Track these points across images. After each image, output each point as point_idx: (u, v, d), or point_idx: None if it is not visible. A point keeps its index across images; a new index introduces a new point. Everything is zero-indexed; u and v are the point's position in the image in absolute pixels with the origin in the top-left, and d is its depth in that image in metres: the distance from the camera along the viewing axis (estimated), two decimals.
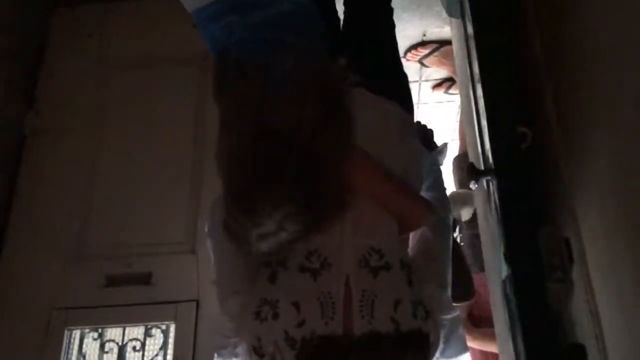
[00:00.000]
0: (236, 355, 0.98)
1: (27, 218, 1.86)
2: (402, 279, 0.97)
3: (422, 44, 2.54)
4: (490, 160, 1.06)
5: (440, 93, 2.90)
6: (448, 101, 2.99)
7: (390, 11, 1.46)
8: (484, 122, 1.12)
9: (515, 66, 1.29)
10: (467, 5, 1.46)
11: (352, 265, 0.95)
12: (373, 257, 0.96)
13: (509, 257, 0.96)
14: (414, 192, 1.10)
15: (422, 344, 0.95)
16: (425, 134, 1.42)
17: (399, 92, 1.29)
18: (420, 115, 3.13)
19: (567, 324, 1.05)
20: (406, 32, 2.49)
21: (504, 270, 1.21)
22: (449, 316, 1.05)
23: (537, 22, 1.36)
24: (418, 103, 3.04)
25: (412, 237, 1.15)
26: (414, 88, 2.91)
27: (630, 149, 0.90)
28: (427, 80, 2.87)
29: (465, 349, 1.09)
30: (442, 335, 1.02)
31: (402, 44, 2.58)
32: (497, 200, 1.05)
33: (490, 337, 1.79)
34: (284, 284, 0.95)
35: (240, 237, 0.94)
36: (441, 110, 3.10)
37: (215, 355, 1.01)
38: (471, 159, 2.09)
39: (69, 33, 2.18)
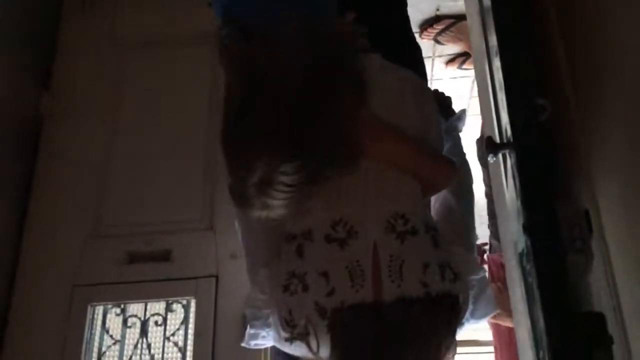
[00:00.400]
0: (268, 326, 1.00)
1: (47, 197, 1.89)
2: (429, 243, 0.97)
3: (437, 19, 2.51)
4: (509, 133, 1.07)
5: (453, 69, 2.88)
6: (462, 77, 2.97)
7: None
8: (502, 95, 1.12)
9: (532, 39, 1.29)
10: None
11: (379, 232, 0.95)
12: (399, 222, 0.96)
13: (529, 229, 0.97)
14: (434, 153, 1.08)
15: (452, 305, 0.96)
16: (443, 101, 1.41)
17: (414, 60, 1.29)
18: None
19: (585, 294, 1.07)
20: (419, 5, 2.46)
21: (522, 243, 1.22)
22: (476, 277, 1.06)
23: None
24: (431, 79, 3.02)
25: (434, 200, 1.15)
26: (427, 64, 2.89)
27: None
28: (440, 56, 2.84)
29: (494, 308, 1.10)
30: (470, 296, 1.03)
31: (415, 17, 2.55)
32: (515, 173, 1.06)
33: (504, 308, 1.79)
34: (311, 257, 0.96)
35: (245, 199, 0.91)
36: (455, 85, 3.08)
37: (249, 326, 1.03)
38: (486, 133, 2.09)
39: (82, 15, 2.18)
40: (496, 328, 2.07)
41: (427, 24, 2.58)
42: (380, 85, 1.03)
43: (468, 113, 2.93)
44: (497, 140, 1.14)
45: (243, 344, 1.09)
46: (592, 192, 1.08)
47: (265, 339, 1.04)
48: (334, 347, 0.91)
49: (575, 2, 1.21)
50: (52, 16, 2.15)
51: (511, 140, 1.05)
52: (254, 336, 1.04)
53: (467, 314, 1.04)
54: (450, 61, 2.85)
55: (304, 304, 0.92)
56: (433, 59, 2.86)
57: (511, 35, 1.17)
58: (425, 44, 2.73)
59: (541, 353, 1.12)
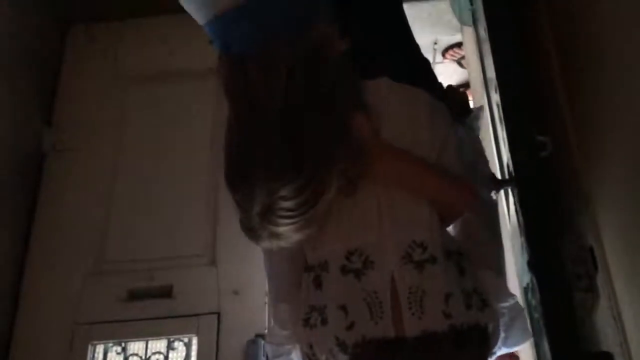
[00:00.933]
0: None
1: (49, 233, 1.88)
2: (451, 270, 0.92)
3: (459, 45, 2.54)
4: (511, 169, 1.07)
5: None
6: None
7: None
8: (502, 132, 1.13)
9: (531, 74, 1.30)
10: (480, 11, 1.47)
11: (396, 262, 0.91)
12: (416, 251, 0.91)
13: (534, 266, 0.96)
14: (452, 176, 1.01)
15: (480, 338, 0.90)
16: (460, 98, 1.33)
17: (422, 74, 1.20)
18: None
19: (591, 332, 1.05)
20: (418, 41, 2.49)
21: (526, 278, 1.22)
22: (507, 304, 0.99)
23: (550, 27, 1.37)
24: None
25: (459, 221, 1.07)
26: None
27: None
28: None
29: (529, 336, 1.04)
30: (502, 324, 0.96)
31: None
32: (518, 209, 1.06)
33: None
34: (329, 289, 0.93)
35: (253, 231, 0.91)
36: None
37: None
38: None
39: (85, 50, 2.20)
40: None
41: (451, 47, 2.62)
42: (390, 110, 1.01)
43: None
44: (500, 177, 1.14)
45: None
46: (596, 227, 1.08)
47: None
48: None
49: (574, 31, 1.22)
50: (55, 52, 2.18)
51: (513, 176, 1.05)
52: None
53: (500, 342, 0.97)
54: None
55: (325, 339, 0.90)
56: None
57: (509, 71, 1.19)
58: None
59: None
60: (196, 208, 1.91)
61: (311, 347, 0.91)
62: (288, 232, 0.89)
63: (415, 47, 1.27)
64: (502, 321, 0.97)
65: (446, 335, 0.86)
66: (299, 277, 0.99)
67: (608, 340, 1.03)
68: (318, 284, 0.94)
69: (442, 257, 0.92)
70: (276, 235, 0.90)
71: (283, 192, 0.86)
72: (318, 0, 1.05)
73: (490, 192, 1.14)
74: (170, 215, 1.90)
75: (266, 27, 1.02)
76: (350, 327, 0.88)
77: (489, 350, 0.93)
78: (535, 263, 0.95)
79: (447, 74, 2.75)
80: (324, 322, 0.91)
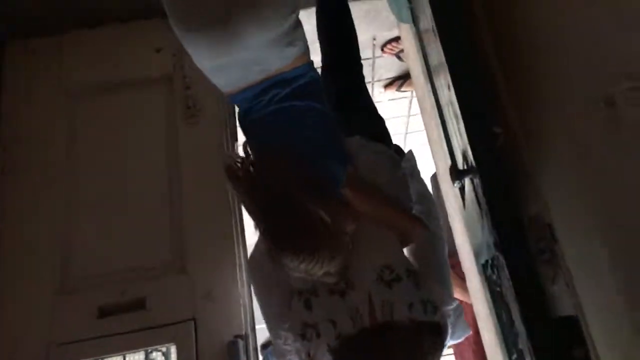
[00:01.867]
0: None
1: (11, 257, 1.84)
2: (410, 285, 1.20)
3: (397, 39, 2.65)
4: (471, 159, 1.18)
5: (392, 91, 3.03)
6: (400, 98, 3.13)
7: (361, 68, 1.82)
8: (458, 125, 1.23)
9: (479, 71, 1.41)
10: (423, 4, 1.56)
11: (371, 283, 1.19)
12: (385, 273, 1.20)
13: (502, 246, 1.07)
14: (409, 212, 1.34)
15: (435, 330, 1.17)
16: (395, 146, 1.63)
17: (383, 134, 1.60)
18: None
19: (552, 301, 1.18)
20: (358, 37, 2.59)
21: (484, 256, 1.34)
22: (451, 307, 1.27)
23: (487, 22, 1.48)
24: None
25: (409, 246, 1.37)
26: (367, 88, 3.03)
27: (581, 141, 1.03)
28: (379, 80, 2.99)
29: (468, 329, 1.33)
30: (449, 322, 1.22)
31: None
32: (480, 195, 1.17)
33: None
34: (319, 308, 1.19)
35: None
36: (394, 106, 3.24)
37: None
38: (433, 155, 2.23)
39: (26, 66, 2.15)
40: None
41: (389, 42, 2.72)
42: (361, 160, 1.33)
43: (408, 130, 3.19)
44: (461, 167, 1.24)
45: None
46: (547, 206, 1.20)
47: None
48: None
49: (510, 25, 1.33)
50: None
51: (474, 166, 1.16)
52: None
53: (448, 337, 1.24)
54: (389, 85, 3.00)
55: (319, 347, 1.16)
56: (373, 83, 3.01)
57: (461, 66, 1.29)
58: (365, 69, 2.87)
59: (514, 355, 1.23)
60: (159, 218, 1.92)
61: (309, 354, 1.17)
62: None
63: (376, 112, 1.69)
64: (449, 320, 1.25)
65: (409, 325, 1.15)
66: (288, 299, 1.24)
67: (565, 308, 1.15)
68: (308, 306, 1.20)
69: (405, 275, 1.21)
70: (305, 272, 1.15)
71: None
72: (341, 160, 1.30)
73: (435, 223, 1.42)
74: (134, 227, 1.91)
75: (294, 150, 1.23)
76: (337, 337, 1.15)
77: (442, 341, 1.20)
78: (501, 242, 1.06)
79: (387, 67, 2.87)
80: (318, 335, 1.17)
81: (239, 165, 1.18)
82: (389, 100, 3.13)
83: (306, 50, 1.29)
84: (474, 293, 1.97)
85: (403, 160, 1.51)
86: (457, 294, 2.17)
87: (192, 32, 1.22)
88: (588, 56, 1.07)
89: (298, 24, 1.25)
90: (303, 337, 1.17)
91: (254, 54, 1.21)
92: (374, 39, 2.67)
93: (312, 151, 1.24)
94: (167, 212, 1.92)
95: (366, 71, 2.88)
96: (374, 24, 2.55)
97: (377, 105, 3.16)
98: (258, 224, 1.17)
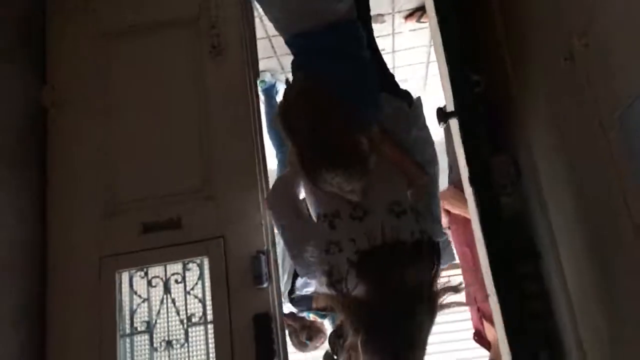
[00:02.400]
0: (314, 277, 1.54)
1: (63, 181, 2.12)
2: (413, 219, 1.50)
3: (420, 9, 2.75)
4: (452, 103, 1.34)
5: (413, 22, 3.10)
6: (420, 29, 3.20)
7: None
8: (449, 73, 1.38)
9: (473, 17, 1.54)
10: None
11: (383, 213, 1.50)
12: (395, 206, 1.51)
13: (472, 180, 1.26)
14: (417, 162, 1.58)
15: (431, 246, 1.50)
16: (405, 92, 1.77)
17: (395, 85, 1.77)
18: (397, 43, 3.35)
19: (525, 234, 1.37)
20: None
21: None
22: (441, 239, 1.56)
23: None
24: (393, 33, 3.25)
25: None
26: (388, 20, 3.12)
27: (560, 92, 1.18)
28: (399, 12, 3.07)
29: (453, 257, 1.70)
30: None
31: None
32: (461, 135, 1.34)
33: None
34: (341, 228, 1.50)
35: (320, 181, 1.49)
36: (415, 37, 3.31)
37: (305, 277, 1.58)
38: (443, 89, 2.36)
39: (65, 10, 2.34)
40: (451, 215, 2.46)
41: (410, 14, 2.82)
42: (385, 114, 1.58)
43: (430, 59, 3.34)
44: (447, 109, 1.41)
45: (297, 293, 1.83)
46: (528, 142, 1.37)
47: (310, 285, 1.61)
48: (359, 277, 1.43)
49: None
50: (40, 14, 2.31)
51: (454, 110, 1.33)
52: (305, 284, 1.63)
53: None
54: (409, 16, 3.07)
55: (340, 260, 1.46)
56: (393, 15, 3.08)
57: (450, 16, 1.42)
58: (384, 2, 2.96)
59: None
60: (190, 148, 2.14)
61: (331, 266, 1.46)
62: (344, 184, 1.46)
63: (391, 75, 1.86)
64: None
65: (411, 242, 1.47)
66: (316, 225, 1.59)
67: (541, 241, 1.35)
68: (332, 226, 1.51)
69: (409, 210, 1.51)
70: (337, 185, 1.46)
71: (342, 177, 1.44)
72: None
73: (432, 170, 1.63)
74: (167, 156, 2.14)
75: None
76: (357, 252, 1.46)
77: (438, 258, 1.48)
78: (472, 177, 1.25)
79: None
80: (340, 250, 1.47)
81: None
82: (410, 31, 3.21)
83: (352, 6, 1.61)
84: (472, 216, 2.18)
85: (411, 109, 1.70)
86: (463, 212, 2.39)
87: None
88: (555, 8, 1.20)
89: None
90: (327, 251, 1.47)
91: (315, 5, 1.58)
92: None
93: (357, 94, 1.54)
94: (196, 143, 2.14)
95: (386, 3, 2.97)
96: None
97: (397, 36, 3.28)
98: (303, 143, 1.48)
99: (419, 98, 1.70)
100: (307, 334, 2.71)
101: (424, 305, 1.41)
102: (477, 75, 1.31)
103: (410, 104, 1.65)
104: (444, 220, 2.54)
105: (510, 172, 1.22)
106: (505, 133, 1.45)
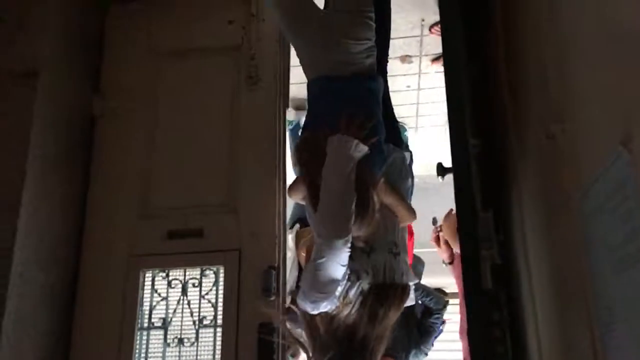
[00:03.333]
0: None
1: (104, 185, 2.37)
2: (401, 259, 1.77)
3: None
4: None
5: (438, 65, 3.30)
6: None
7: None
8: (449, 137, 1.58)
9: (479, 77, 1.73)
10: None
11: (385, 252, 1.75)
12: (393, 247, 1.77)
13: (460, 232, 1.44)
14: (409, 205, 1.90)
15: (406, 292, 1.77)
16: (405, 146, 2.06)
17: (398, 138, 2.06)
18: (422, 82, 3.55)
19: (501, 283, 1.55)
20: (407, 18, 2.88)
21: None
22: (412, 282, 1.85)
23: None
24: (419, 72, 3.45)
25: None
26: (415, 61, 3.32)
27: (543, 166, 1.36)
28: (426, 55, 3.27)
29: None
30: None
31: (405, 27, 2.97)
32: (454, 190, 1.53)
33: None
34: (357, 260, 1.69)
35: None
36: (440, 78, 3.50)
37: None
38: None
39: (123, 27, 2.60)
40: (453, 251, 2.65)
41: (435, 24, 2.99)
42: (389, 161, 1.85)
43: None
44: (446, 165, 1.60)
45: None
46: (520, 200, 1.55)
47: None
48: (362, 306, 1.70)
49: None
50: (97, 30, 2.58)
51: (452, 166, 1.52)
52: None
53: None
54: (436, 59, 3.27)
55: (353, 287, 1.69)
56: (420, 57, 3.29)
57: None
58: (412, 45, 3.16)
59: None
60: (219, 166, 2.37)
61: (347, 293, 1.67)
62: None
63: (395, 119, 2.17)
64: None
65: (399, 285, 1.75)
66: None
67: (520, 290, 1.52)
68: (352, 258, 1.67)
69: (401, 251, 1.79)
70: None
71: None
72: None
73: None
74: (198, 171, 2.37)
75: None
76: (370, 282, 1.70)
77: (408, 292, 1.77)
78: (461, 230, 1.44)
79: (434, 44, 3.13)
80: (358, 278, 1.69)
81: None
82: (435, 72, 3.41)
83: (375, 61, 1.87)
84: None
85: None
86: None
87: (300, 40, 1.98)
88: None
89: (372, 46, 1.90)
90: (349, 279, 1.67)
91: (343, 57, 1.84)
92: (423, 20, 2.93)
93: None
94: (225, 162, 2.37)
95: (415, 46, 3.18)
96: (422, 8, 2.82)
97: (423, 76, 3.47)
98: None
99: (410, 153, 1.95)
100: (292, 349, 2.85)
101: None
102: (475, 140, 1.49)
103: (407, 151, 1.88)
104: (445, 256, 2.72)
105: (490, 229, 1.40)
106: (500, 192, 1.63)
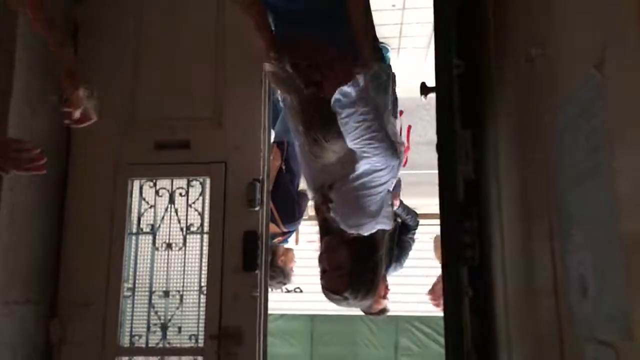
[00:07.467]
0: None
1: None
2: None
3: None
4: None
5: None
6: None
7: None
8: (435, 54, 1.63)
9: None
10: None
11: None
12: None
13: (439, 148, 1.54)
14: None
15: None
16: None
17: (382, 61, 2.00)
18: (408, 2, 3.51)
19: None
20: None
21: None
22: None
23: None
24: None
25: None
26: None
27: (522, 86, 1.44)
28: None
29: None
30: None
31: None
32: (436, 108, 1.61)
33: None
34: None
35: None
36: None
37: None
38: None
39: None
40: None
41: None
42: None
43: None
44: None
45: None
46: (495, 119, 1.64)
47: None
48: None
49: None
50: None
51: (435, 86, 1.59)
52: None
53: None
54: None
55: None
56: None
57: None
58: None
59: None
60: (206, 80, 2.39)
61: None
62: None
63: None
64: None
65: None
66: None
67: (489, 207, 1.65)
68: None
69: None
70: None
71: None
72: None
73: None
74: (185, 85, 2.39)
75: None
76: None
77: None
78: (440, 146, 1.53)
79: None
80: None
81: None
82: None
83: None
84: None
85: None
86: None
87: None
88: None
89: None
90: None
91: None
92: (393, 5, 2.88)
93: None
94: (212, 76, 2.39)
95: None
96: None
97: None
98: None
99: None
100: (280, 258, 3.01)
101: None
102: (459, 60, 1.55)
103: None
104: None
105: (468, 145, 1.50)
106: (478, 112, 1.71)
